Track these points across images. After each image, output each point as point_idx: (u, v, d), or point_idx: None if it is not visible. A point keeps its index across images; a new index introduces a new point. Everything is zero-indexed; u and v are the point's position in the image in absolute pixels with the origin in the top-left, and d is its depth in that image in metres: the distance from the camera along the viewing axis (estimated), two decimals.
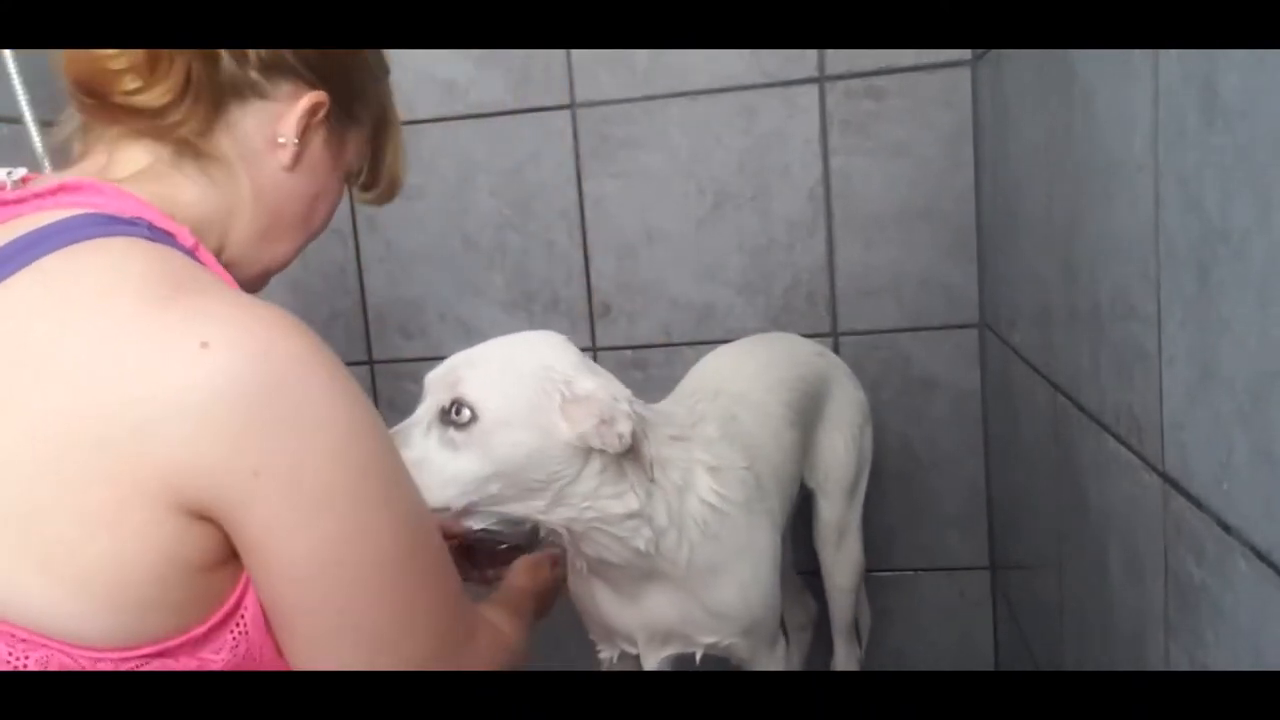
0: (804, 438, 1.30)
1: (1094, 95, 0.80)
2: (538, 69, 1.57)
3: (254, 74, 0.71)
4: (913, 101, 1.48)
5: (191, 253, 0.67)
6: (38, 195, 0.65)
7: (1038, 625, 1.23)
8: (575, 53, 1.55)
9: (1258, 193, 0.50)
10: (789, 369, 1.31)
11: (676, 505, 0.98)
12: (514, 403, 0.88)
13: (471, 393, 0.87)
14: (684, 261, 1.58)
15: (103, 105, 0.69)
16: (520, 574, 1.04)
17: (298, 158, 0.75)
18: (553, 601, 1.08)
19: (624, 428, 0.88)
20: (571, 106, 1.57)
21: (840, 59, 1.49)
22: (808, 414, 1.31)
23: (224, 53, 0.69)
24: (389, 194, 0.89)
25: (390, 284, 1.67)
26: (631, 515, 0.94)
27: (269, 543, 0.58)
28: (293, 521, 0.58)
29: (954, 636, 1.64)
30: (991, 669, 1.62)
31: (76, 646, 0.56)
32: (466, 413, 0.87)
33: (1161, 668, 0.70)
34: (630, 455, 0.91)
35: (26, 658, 0.55)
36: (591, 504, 0.92)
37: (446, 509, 0.87)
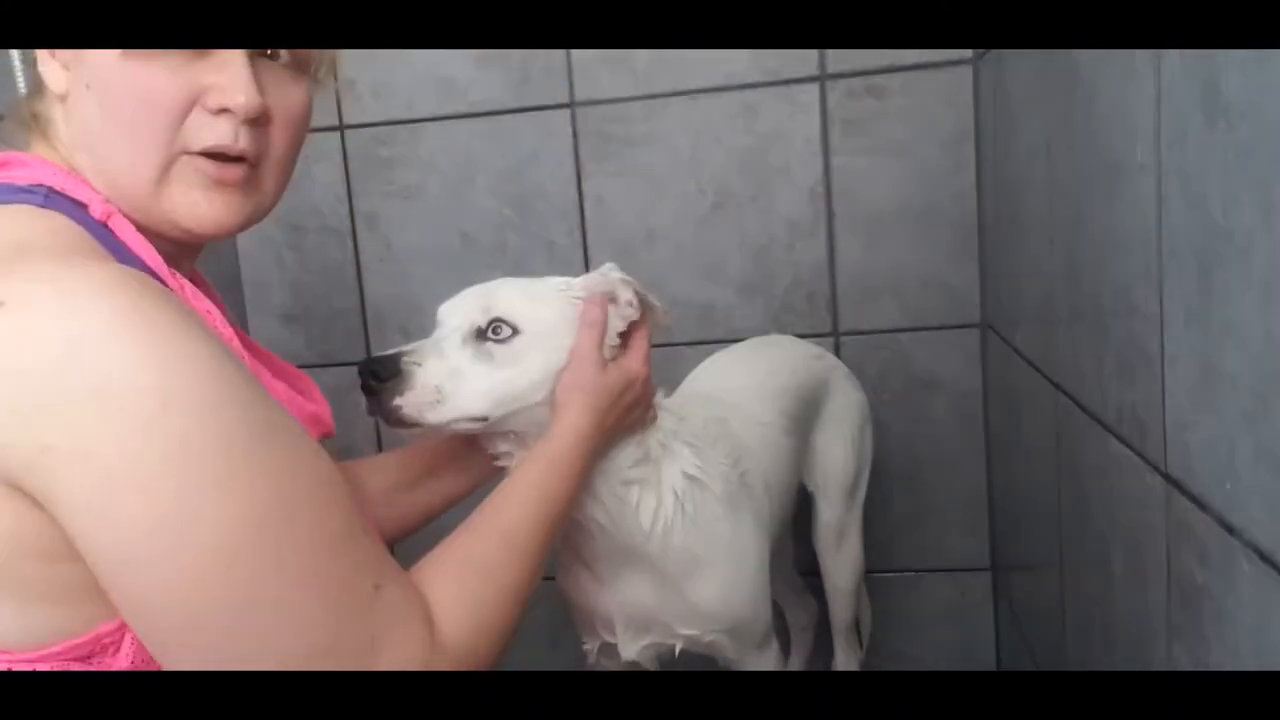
0: (801, 444, 1.30)
1: (1096, 94, 0.79)
2: (538, 68, 1.57)
3: None
4: (914, 100, 1.48)
5: (103, 223, 0.64)
6: None
7: (1039, 626, 1.23)
8: (575, 52, 1.55)
9: (1260, 192, 0.50)
10: (786, 376, 1.31)
11: (658, 468, 1.00)
12: (547, 315, 0.95)
13: (508, 310, 0.93)
14: (684, 261, 1.58)
15: None
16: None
17: (63, 77, 0.67)
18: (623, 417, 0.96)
19: (628, 293, 0.98)
20: (571, 105, 1.57)
21: (841, 58, 1.49)
22: (805, 420, 1.31)
23: None
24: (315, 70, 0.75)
25: (390, 283, 1.67)
26: (636, 462, 0.98)
27: (77, 528, 0.53)
28: (94, 504, 0.52)
29: (955, 637, 1.64)
30: (993, 669, 1.61)
31: None
32: (506, 329, 0.92)
33: (1164, 668, 0.70)
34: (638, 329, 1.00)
35: None
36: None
37: (485, 419, 0.91)
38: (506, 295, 0.95)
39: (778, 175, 1.54)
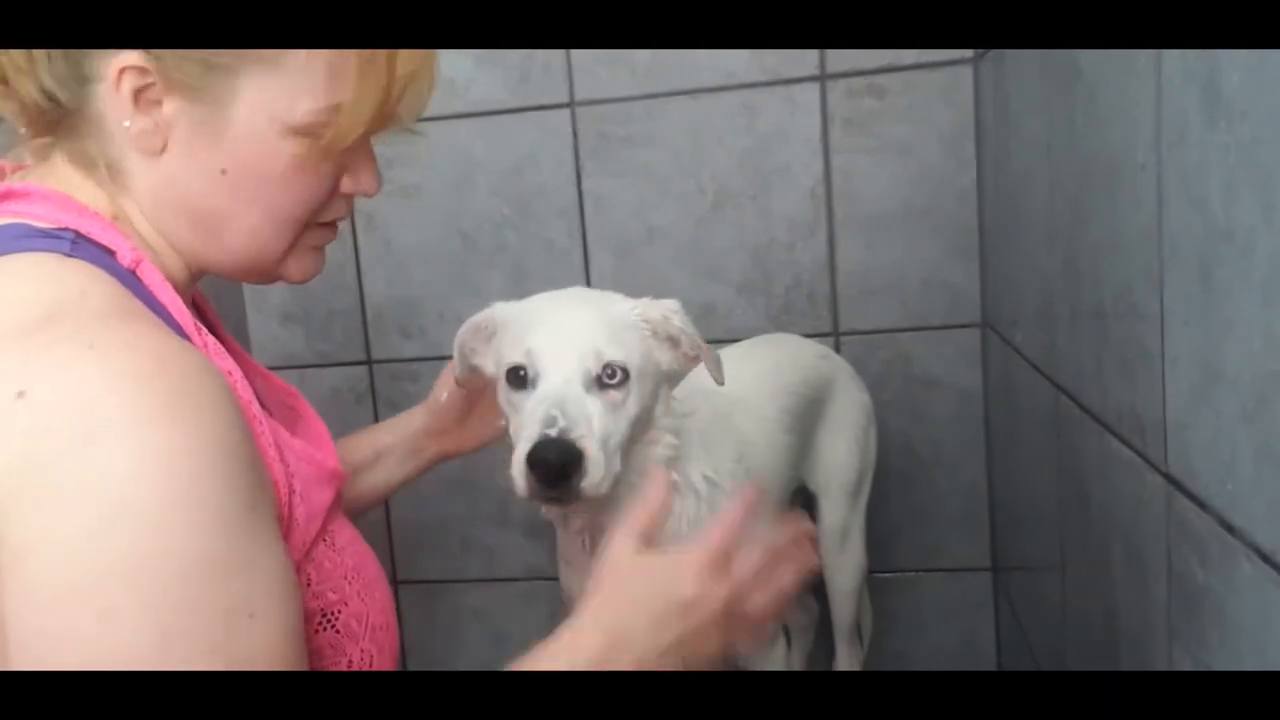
0: (802, 442, 1.30)
1: (1097, 94, 0.79)
2: (537, 67, 1.57)
3: (72, 58, 0.61)
4: (914, 100, 1.48)
5: (131, 270, 0.62)
6: None
7: (1040, 626, 1.23)
8: (575, 52, 1.55)
9: (1261, 192, 0.50)
10: (789, 373, 1.31)
11: (683, 467, 1.01)
12: (639, 352, 0.94)
13: (617, 353, 0.91)
14: (684, 260, 1.58)
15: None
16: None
17: (160, 140, 0.63)
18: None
19: (689, 347, 0.97)
20: (571, 105, 1.57)
21: (842, 57, 1.49)
22: (807, 418, 1.31)
23: (30, 62, 0.61)
24: (410, 114, 0.74)
25: (389, 283, 1.67)
26: (669, 461, 0.99)
27: (11, 619, 0.49)
28: (22, 606, 0.49)
29: (956, 637, 1.64)
30: (993, 669, 1.61)
31: None
32: (619, 372, 0.91)
33: (1164, 668, 0.70)
34: (667, 399, 1.00)
35: None
36: (645, 449, 0.97)
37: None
38: (607, 336, 0.92)
39: (778, 175, 1.53)
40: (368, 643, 0.67)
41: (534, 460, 0.84)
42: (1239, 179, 0.52)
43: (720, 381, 0.97)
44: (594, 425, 0.87)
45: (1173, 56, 0.61)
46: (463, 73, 1.58)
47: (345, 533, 0.70)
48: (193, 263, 0.70)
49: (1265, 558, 0.51)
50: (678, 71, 1.53)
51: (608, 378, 0.90)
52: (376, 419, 1.70)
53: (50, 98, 0.63)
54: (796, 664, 1.58)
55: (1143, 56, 0.67)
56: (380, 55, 0.66)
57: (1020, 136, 1.14)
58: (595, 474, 0.85)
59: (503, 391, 0.95)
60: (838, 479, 1.37)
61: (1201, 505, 0.60)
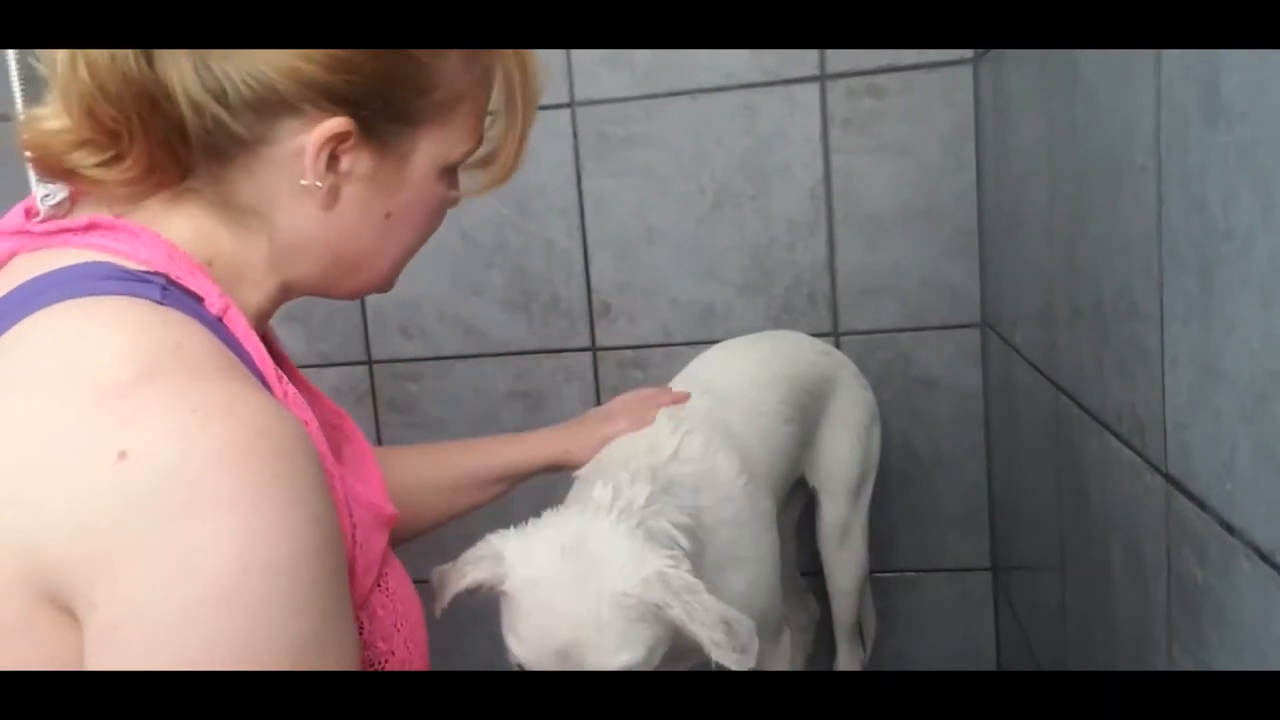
0: (801, 435, 1.30)
1: (1096, 94, 0.79)
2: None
3: (243, 125, 0.60)
4: (914, 100, 1.48)
5: (219, 319, 0.60)
6: (69, 230, 0.61)
7: (1040, 626, 1.23)
8: (575, 52, 1.55)
9: (1260, 192, 0.50)
10: (789, 366, 1.31)
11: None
12: (641, 644, 0.89)
13: (614, 662, 0.88)
14: (684, 261, 1.58)
15: (71, 179, 0.61)
16: None
17: (335, 195, 0.64)
18: None
19: (690, 632, 0.89)
20: (571, 105, 1.57)
21: (841, 57, 1.49)
22: (807, 412, 1.31)
23: (197, 115, 0.59)
24: (499, 179, 0.77)
25: None
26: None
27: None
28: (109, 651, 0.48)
29: (956, 637, 1.64)
30: (993, 669, 1.61)
31: None
32: None
33: (1164, 668, 0.70)
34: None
35: None
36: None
37: None
38: (602, 651, 0.88)
39: (778, 175, 1.54)
40: None
41: None
42: (1238, 179, 0.52)
43: (744, 668, 0.90)
44: None
45: (1172, 56, 0.61)
46: None
47: (396, 575, 0.70)
48: (305, 292, 0.70)
49: (1265, 557, 0.51)
50: (678, 71, 1.53)
51: None
52: (377, 419, 1.70)
53: (195, 150, 0.61)
54: (797, 664, 1.58)
55: (1142, 56, 0.67)
56: (528, 102, 0.75)
57: (1020, 136, 1.14)
58: None
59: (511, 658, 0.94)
60: (839, 476, 1.37)
61: (1201, 505, 0.60)
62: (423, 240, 0.74)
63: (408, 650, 0.67)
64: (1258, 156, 0.50)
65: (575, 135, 1.57)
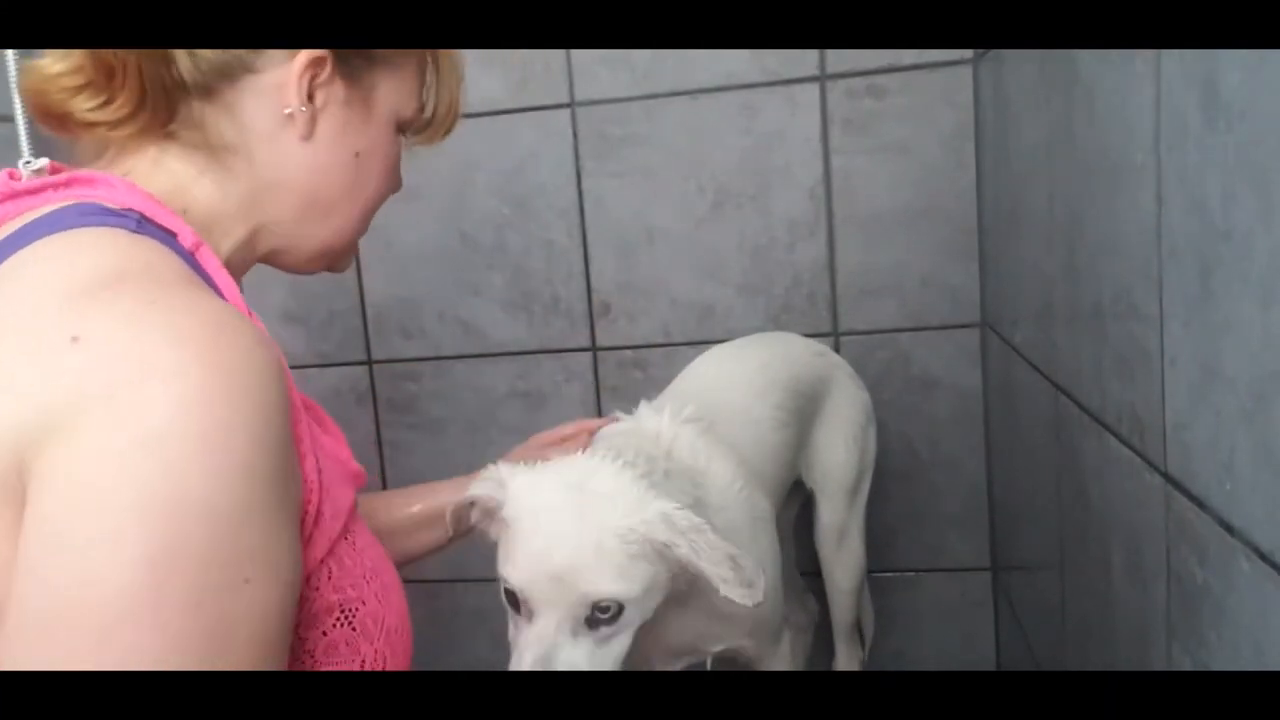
0: (796, 439, 1.30)
1: (1095, 94, 0.79)
2: (537, 68, 1.57)
3: (231, 54, 0.66)
4: (914, 100, 1.48)
5: (190, 253, 0.64)
6: (53, 186, 0.65)
7: (1039, 626, 1.23)
8: (575, 52, 1.55)
9: (1260, 192, 0.50)
10: (783, 369, 1.31)
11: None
12: (639, 580, 0.88)
13: (606, 590, 0.87)
14: (684, 261, 1.58)
15: (64, 124, 0.67)
16: None
17: (313, 124, 0.70)
18: None
19: (696, 569, 0.89)
20: (571, 105, 1.57)
21: (841, 57, 1.49)
22: (802, 415, 1.31)
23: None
24: (444, 129, 0.83)
25: (389, 284, 1.67)
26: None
27: (23, 546, 0.50)
28: (36, 528, 0.50)
29: (955, 637, 1.64)
30: (993, 669, 1.61)
31: None
32: (611, 605, 0.87)
33: (1164, 668, 0.70)
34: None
35: None
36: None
37: None
38: (594, 571, 0.87)
39: (778, 175, 1.54)
40: (382, 644, 0.68)
41: None
42: (1238, 179, 0.52)
43: (752, 603, 0.89)
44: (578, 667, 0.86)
45: (1172, 56, 0.61)
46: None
47: (364, 535, 0.71)
48: (265, 252, 0.75)
49: (1264, 557, 0.51)
50: (678, 71, 1.53)
51: (600, 613, 0.87)
52: (377, 419, 1.70)
53: (182, 87, 0.66)
54: (797, 664, 1.59)
55: (1142, 57, 0.67)
56: (453, 67, 0.80)
57: (1020, 136, 1.14)
58: None
59: (504, 600, 0.93)
60: (836, 477, 1.37)
61: (1200, 505, 0.61)
62: (382, 196, 0.79)
63: (379, 603, 0.68)
64: (1257, 157, 0.50)
65: (575, 135, 1.58)
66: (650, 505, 0.89)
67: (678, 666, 1.10)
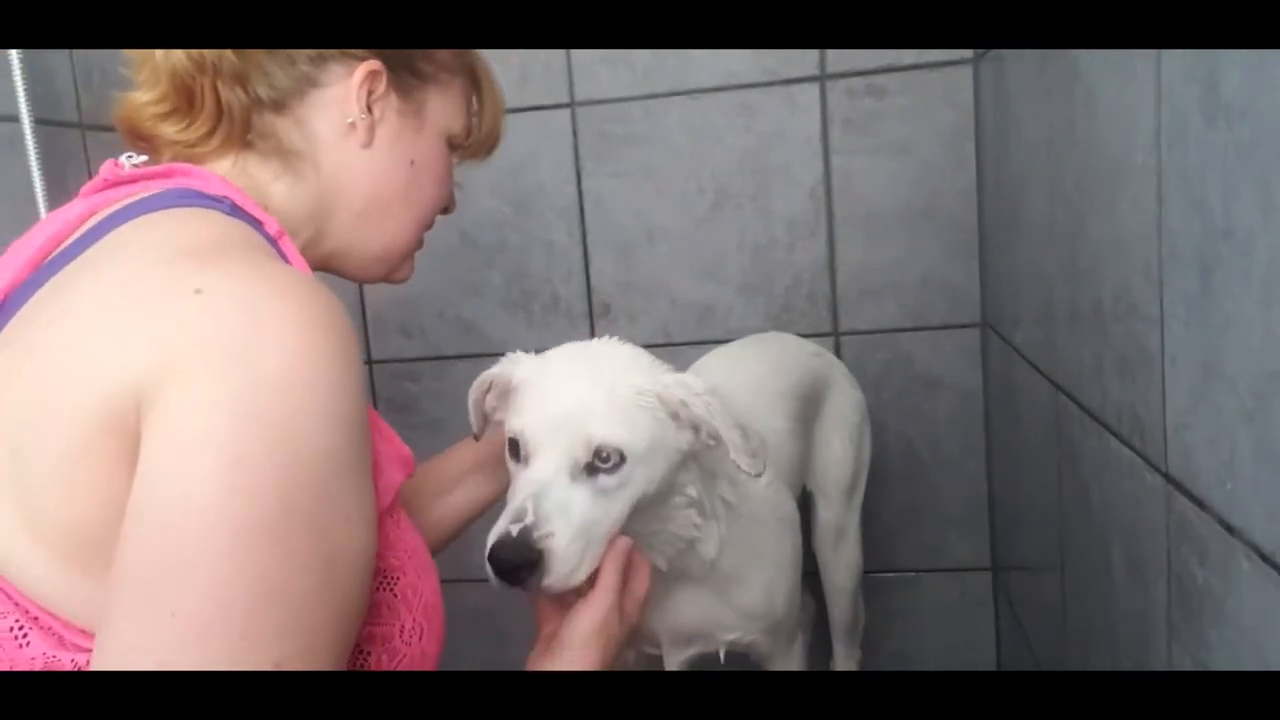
0: (805, 446, 1.31)
1: (1096, 94, 0.79)
2: (538, 68, 1.57)
3: (299, 71, 0.73)
4: (914, 100, 1.48)
5: (274, 240, 0.69)
6: (153, 175, 0.72)
7: (1040, 626, 1.23)
8: (575, 52, 1.55)
9: (1260, 191, 0.50)
10: (788, 375, 1.31)
11: (711, 499, 1.00)
12: (643, 434, 0.87)
13: (610, 437, 0.85)
14: (684, 261, 1.58)
15: (152, 144, 0.75)
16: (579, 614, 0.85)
17: (371, 132, 0.77)
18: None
19: (712, 429, 0.89)
20: (571, 105, 1.57)
21: (841, 57, 1.49)
22: (807, 418, 1.31)
23: (257, 63, 0.72)
24: (486, 147, 0.90)
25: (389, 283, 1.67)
26: (690, 504, 0.96)
27: (143, 476, 0.53)
28: (162, 448, 0.53)
29: (956, 637, 1.64)
30: (993, 669, 1.61)
31: (68, 625, 0.56)
32: (613, 456, 0.85)
33: (1164, 668, 0.70)
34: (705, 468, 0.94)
35: (25, 635, 0.56)
36: (665, 499, 0.93)
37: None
38: (601, 419, 0.86)
39: (778, 175, 1.54)
40: (420, 615, 0.71)
41: (492, 557, 0.83)
42: (1238, 179, 0.52)
43: (755, 472, 0.90)
44: (572, 518, 0.84)
45: (1172, 56, 0.61)
46: None
47: (406, 521, 0.75)
48: (328, 255, 0.80)
49: (1265, 557, 0.51)
50: (678, 71, 1.53)
51: (601, 461, 0.85)
52: None
53: (256, 104, 0.73)
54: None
55: (1142, 56, 0.67)
56: (494, 91, 0.89)
57: (1020, 136, 1.14)
58: (561, 570, 0.82)
59: (507, 456, 0.92)
60: (833, 477, 1.37)
61: (1201, 505, 0.60)
62: (435, 206, 0.86)
63: (418, 577, 0.71)
64: (1258, 156, 0.50)
65: (575, 135, 1.57)
66: (667, 374, 0.92)
67: (689, 653, 1.10)
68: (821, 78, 1.50)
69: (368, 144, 0.77)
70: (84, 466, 0.55)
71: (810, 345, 1.42)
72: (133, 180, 0.72)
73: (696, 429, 0.90)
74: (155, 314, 0.57)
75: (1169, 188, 0.63)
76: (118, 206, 0.67)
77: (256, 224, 0.70)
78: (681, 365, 1.31)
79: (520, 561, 0.81)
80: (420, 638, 0.70)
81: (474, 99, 0.87)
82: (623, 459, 0.86)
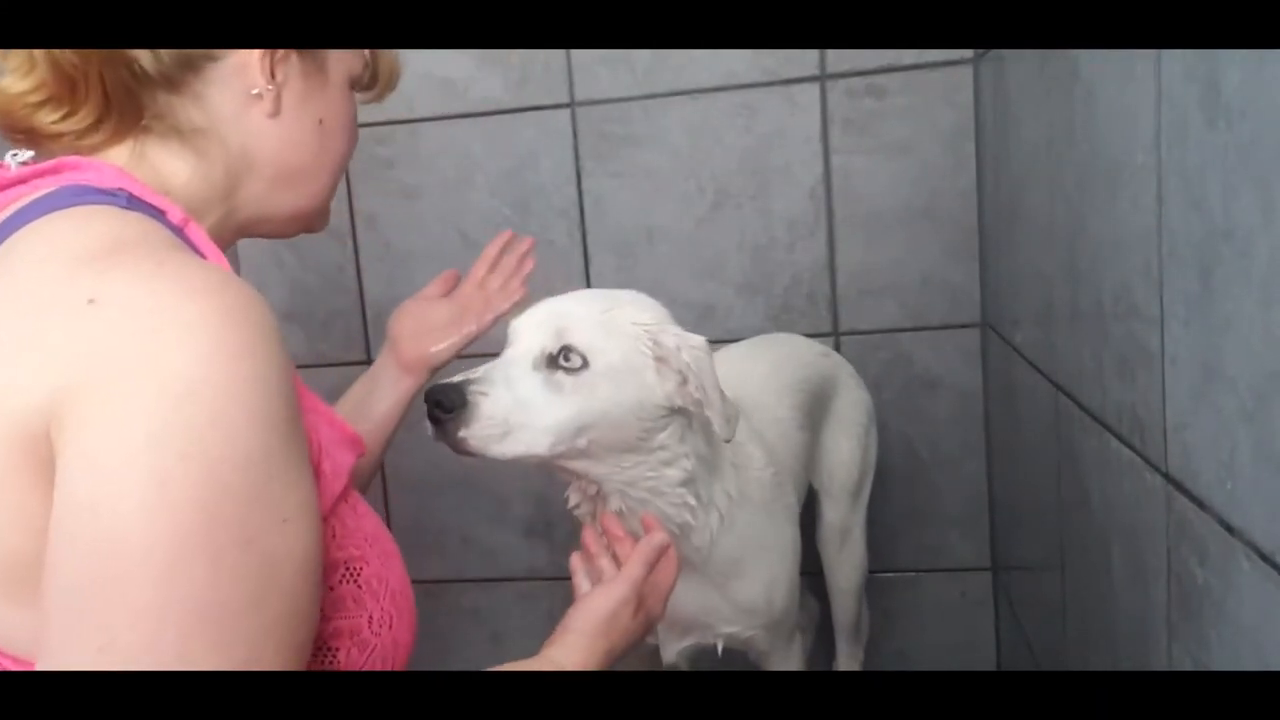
0: (811, 440, 1.31)
1: (1096, 94, 0.79)
2: (537, 68, 1.57)
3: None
4: (914, 100, 1.48)
5: (179, 229, 0.65)
6: (42, 173, 0.67)
7: (1040, 626, 1.23)
8: (575, 52, 1.55)
9: (1260, 191, 0.50)
10: (797, 371, 1.31)
11: (709, 490, 1.00)
12: (618, 354, 0.91)
13: (582, 340, 0.90)
14: (684, 261, 1.58)
15: (32, 138, 0.69)
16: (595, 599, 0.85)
17: (278, 100, 0.72)
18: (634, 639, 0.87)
19: (698, 381, 0.91)
20: (571, 105, 1.57)
21: (841, 57, 1.49)
22: (814, 416, 1.32)
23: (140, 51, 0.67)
24: (387, 88, 0.85)
25: (389, 284, 1.67)
26: (684, 482, 0.96)
27: (61, 502, 0.52)
28: (79, 472, 0.51)
29: (956, 637, 1.64)
30: (993, 669, 1.61)
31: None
32: (577, 359, 0.89)
33: (1164, 668, 0.70)
34: (699, 418, 0.94)
35: None
36: (656, 469, 0.94)
37: (542, 457, 0.90)
38: (582, 324, 0.91)
39: (778, 175, 1.54)
40: (388, 603, 0.69)
41: (427, 394, 0.89)
42: (1238, 179, 0.52)
43: (726, 437, 0.93)
44: (514, 391, 0.88)
45: (1173, 56, 0.61)
46: (463, 73, 1.58)
47: (363, 504, 0.73)
48: (244, 224, 0.76)
49: (1265, 557, 0.51)
50: (678, 71, 1.53)
51: (564, 359, 0.89)
52: None
53: (146, 84, 0.68)
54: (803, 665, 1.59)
55: (1142, 56, 0.67)
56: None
57: (1020, 136, 1.14)
58: (479, 429, 0.86)
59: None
60: (840, 477, 1.37)
61: (1201, 505, 0.60)
62: (347, 154, 0.81)
63: (382, 564, 0.70)
64: (1258, 156, 0.50)
65: (575, 135, 1.57)
66: (671, 324, 0.94)
67: (687, 643, 1.10)
68: (821, 78, 1.50)
69: (275, 113, 0.72)
70: (1, 494, 0.53)
71: (818, 346, 1.43)
72: (21, 180, 0.67)
73: (684, 380, 0.92)
74: (51, 330, 0.54)
75: (1169, 188, 0.63)
76: (10, 211, 0.63)
77: (158, 214, 0.66)
78: None
79: (447, 403, 0.86)
80: (390, 626, 0.69)
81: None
82: (585, 364, 0.89)
